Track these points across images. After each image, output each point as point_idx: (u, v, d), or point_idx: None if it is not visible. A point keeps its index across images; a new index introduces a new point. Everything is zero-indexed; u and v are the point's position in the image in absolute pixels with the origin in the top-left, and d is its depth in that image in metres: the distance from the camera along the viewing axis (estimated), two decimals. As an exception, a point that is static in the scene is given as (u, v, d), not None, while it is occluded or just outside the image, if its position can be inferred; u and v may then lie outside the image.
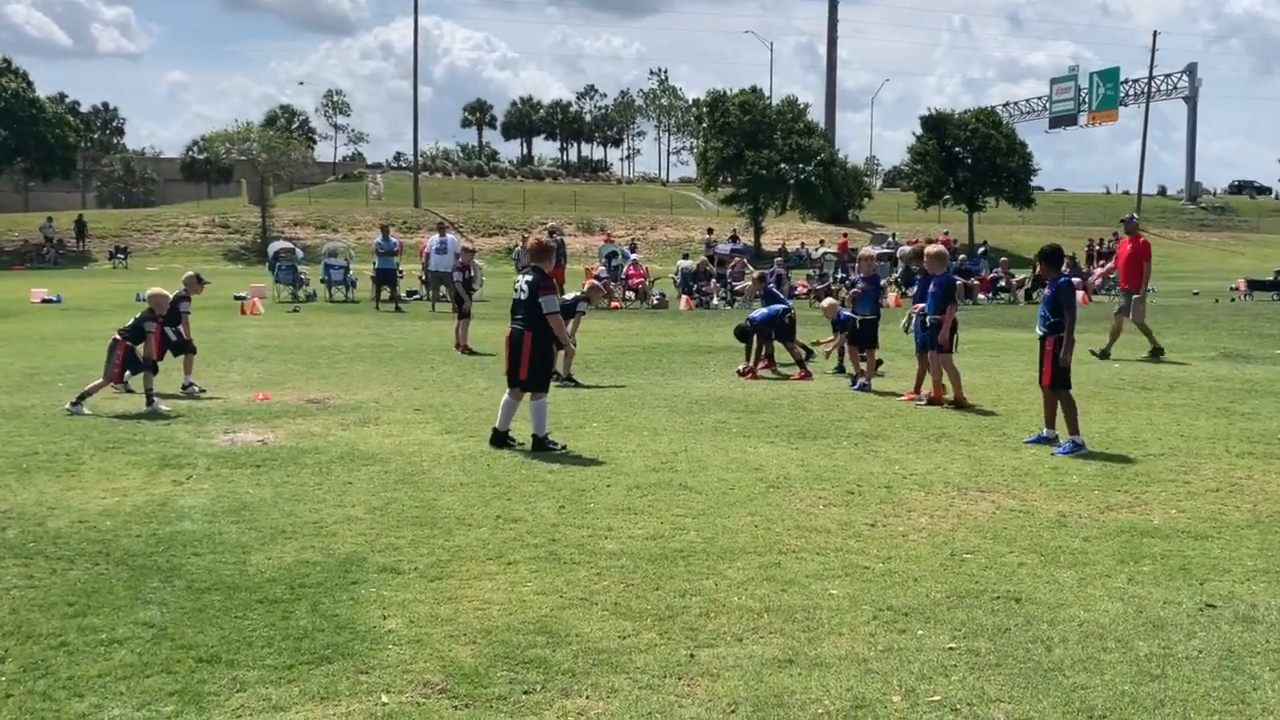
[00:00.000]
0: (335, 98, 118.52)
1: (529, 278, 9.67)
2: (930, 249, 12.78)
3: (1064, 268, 10.40)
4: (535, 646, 5.04)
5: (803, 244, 54.75)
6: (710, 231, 45.58)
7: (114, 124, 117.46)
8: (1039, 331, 10.08)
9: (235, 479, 8.33)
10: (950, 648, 5.11)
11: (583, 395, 12.79)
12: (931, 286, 12.03)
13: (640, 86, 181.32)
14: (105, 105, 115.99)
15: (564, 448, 9.52)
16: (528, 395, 9.61)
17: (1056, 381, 9.85)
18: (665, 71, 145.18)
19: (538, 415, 9.55)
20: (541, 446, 9.48)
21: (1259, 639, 5.27)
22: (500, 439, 9.63)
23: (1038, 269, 10.60)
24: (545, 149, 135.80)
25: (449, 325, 19.97)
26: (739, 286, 28.98)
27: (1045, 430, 10.11)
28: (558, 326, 9.70)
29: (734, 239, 43.25)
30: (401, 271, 29.13)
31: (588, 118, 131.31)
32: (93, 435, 9.88)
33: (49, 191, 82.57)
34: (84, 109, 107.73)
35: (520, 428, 9.76)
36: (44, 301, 27.53)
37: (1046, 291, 10.14)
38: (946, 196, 71.78)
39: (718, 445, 9.91)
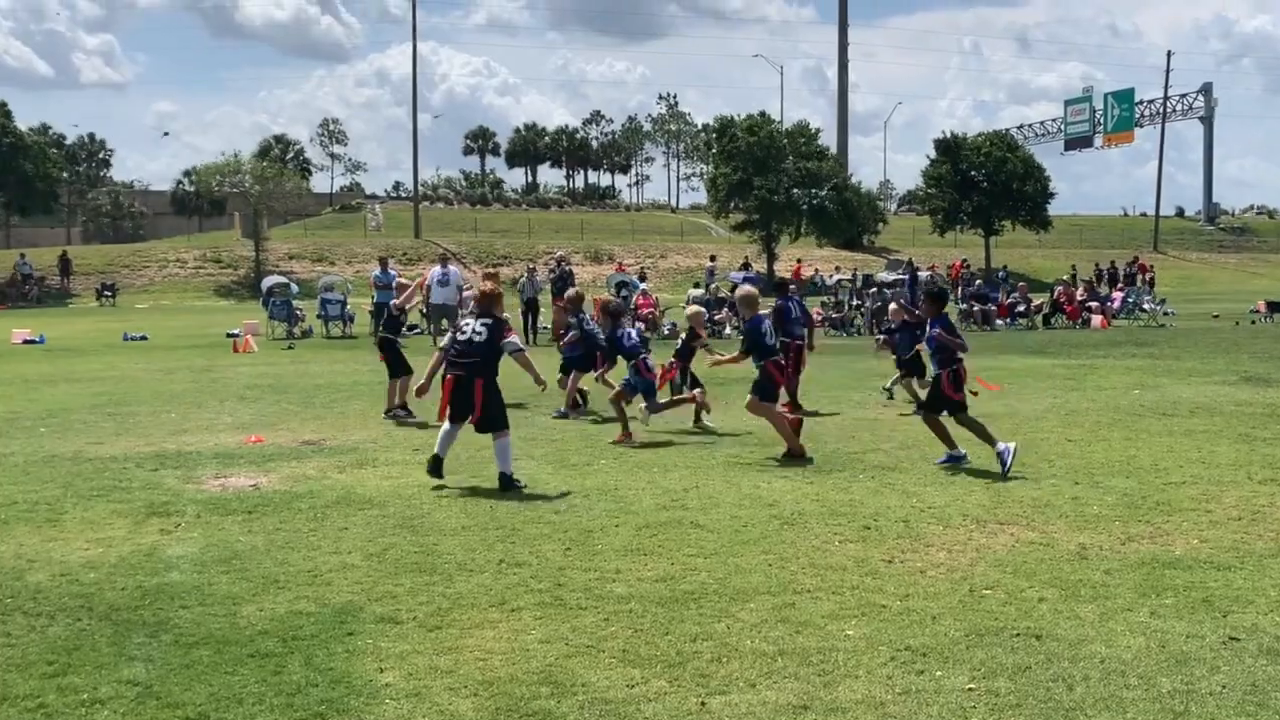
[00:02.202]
0: (331, 126, 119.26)
1: (487, 322, 9.94)
2: (741, 290, 12.69)
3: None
4: (539, 698, 5.03)
5: (816, 270, 54.79)
6: (713, 259, 45.66)
7: (100, 156, 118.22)
8: (933, 369, 10.78)
9: (226, 526, 8.34)
10: (970, 688, 5.09)
11: (591, 431, 12.80)
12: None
13: (647, 112, 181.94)
14: (91, 137, 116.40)
15: (524, 486, 9.65)
16: (490, 436, 9.90)
17: (954, 409, 10.46)
18: (674, 96, 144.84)
19: (502, 454, 9.77)
20: (509, 485, 9.61)
21: (1288, 674, 5.25)
22: (437, 465, 9.81)
23: (922, 307, 11.27)
24: (551, 176, 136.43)
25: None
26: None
27: (953, 450, 10.61)
28: (526, 364, 10.11)
29: (746, 266, 43.31)
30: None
31: (594, 144, 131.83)
32: (76, 483, 9.91)
33: (33, 227, 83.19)
34: (69, 141, 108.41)
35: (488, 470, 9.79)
36: (25, 342, 27.67)
37: (933, 330, 10.68)
38: (962, 220, 72.04)
39: (730, 481, 9.91)
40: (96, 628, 6.04)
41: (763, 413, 11.30)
